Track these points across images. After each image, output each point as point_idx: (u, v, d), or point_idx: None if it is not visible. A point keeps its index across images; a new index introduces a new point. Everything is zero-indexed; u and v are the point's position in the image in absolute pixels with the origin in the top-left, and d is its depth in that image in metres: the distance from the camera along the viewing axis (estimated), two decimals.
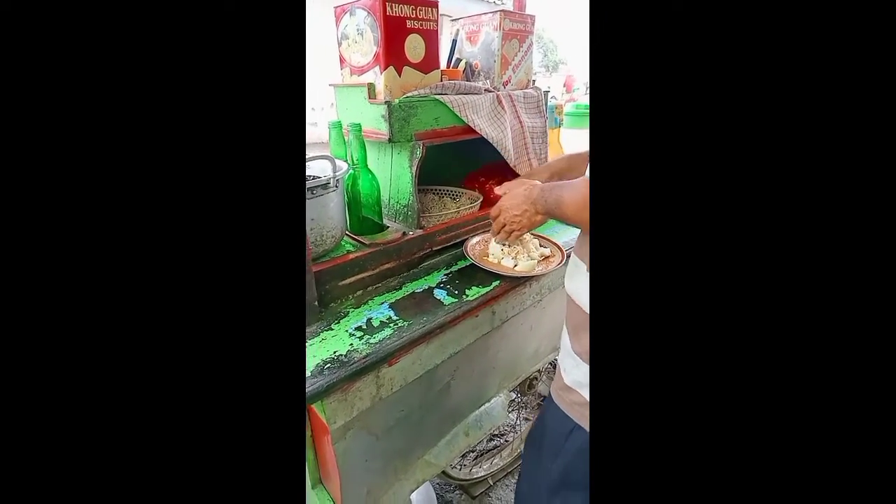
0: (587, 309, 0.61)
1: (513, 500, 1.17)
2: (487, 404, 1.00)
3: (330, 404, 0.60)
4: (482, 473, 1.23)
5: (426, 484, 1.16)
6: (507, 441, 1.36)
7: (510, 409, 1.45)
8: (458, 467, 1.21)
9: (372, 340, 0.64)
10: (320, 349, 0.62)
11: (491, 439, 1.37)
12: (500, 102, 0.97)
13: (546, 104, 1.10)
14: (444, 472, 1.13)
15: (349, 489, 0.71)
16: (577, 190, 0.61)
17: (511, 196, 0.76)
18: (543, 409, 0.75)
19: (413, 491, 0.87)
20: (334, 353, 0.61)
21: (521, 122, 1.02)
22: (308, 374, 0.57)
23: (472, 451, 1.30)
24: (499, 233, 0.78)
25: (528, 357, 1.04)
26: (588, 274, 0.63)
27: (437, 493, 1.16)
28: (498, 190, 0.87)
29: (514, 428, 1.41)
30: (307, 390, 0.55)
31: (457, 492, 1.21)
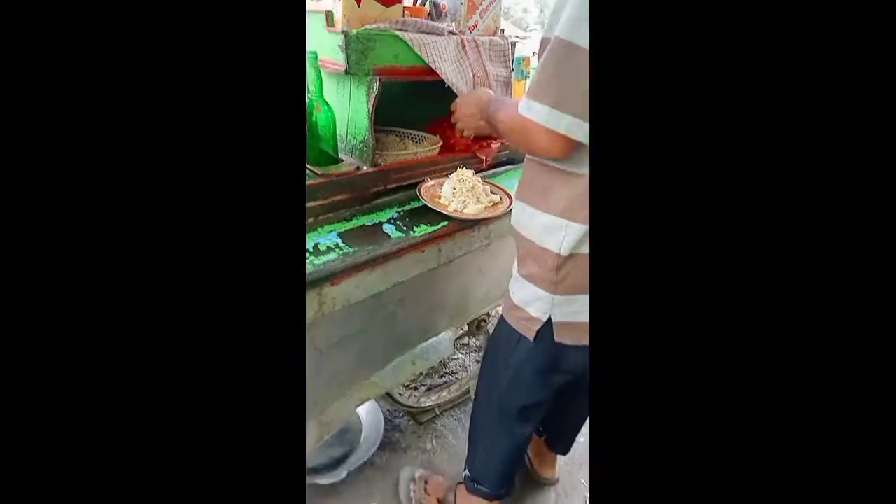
0: (530, 237, 0.70)
1: (457, 430, 1.29)
2: (435, 338, 1.08)
3: None
4: (430, 403, 1.33)
5: (376, 407, 1.26)
6: (457, 378, 1.46)
7: (462, 351, 1.56)
8: (408, 395, 1.31)
9: (316, 262, 0.68)
10: None
11: (442, 376, 1.47)
12: (463, 47, 0.97)
13: (513, 55, 1.10)
14: (393, 399, 1.22)
15: None
16: (510, 110, 0.66)
17: (468, 95, 0.88)
18: (496, 327, 0.83)
19: (357, 406, 0.96)
20: None
21: (485, 69, 1.03)
22: None
23: (423, 385, 1.41)
24: (455, 124, 0.91)
25: (477, 299, 1.11)
26: (529, 210, 0.69)
27: (385, 418, 1.26)
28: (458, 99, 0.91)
29: (466, 368, 1.52)
30: None
31: (405, 417, 1.32)
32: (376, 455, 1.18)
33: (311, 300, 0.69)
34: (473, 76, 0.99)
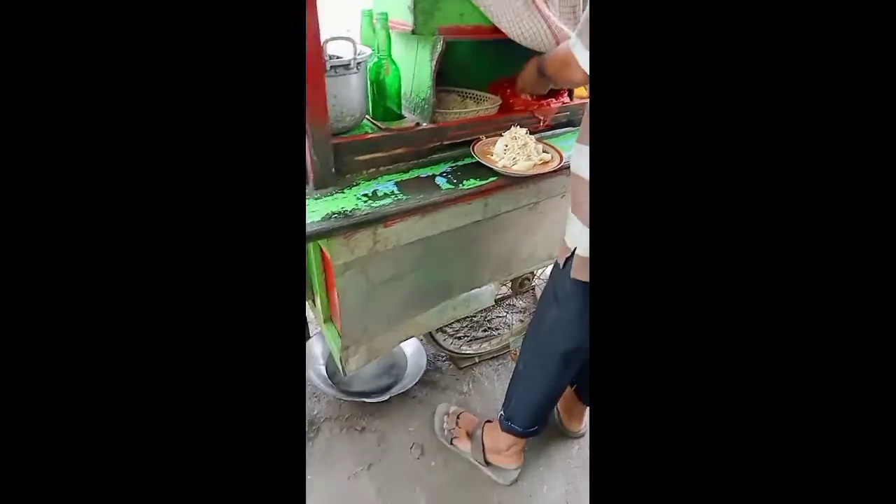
0: (577, 171, 0.76)
1: (493, 378, 1.39)
2: (478, 289, 1.16)
3: (333, 246, 0.76)
4: (471, 352, 1.44)
5: (421, 349, 1.39)
6: (499, 334, 1.54)
7: (507, 310, 1.62)
8: (451, 342, 1.42)
9: (374, 205, 0.78)
10: (331, 204, 0.77)
11: (486, 330, 1.56)
12: (533, 2, 0.97)
13: (583, 11, 1.07)
14: (437, 343, 1.34)
15: (348, 322, 0.91)
16: (556, 52, 0.84)
17: (530, 61, 0.96)
18: (553, 270, 0.90)
19: (402, 340, 1.08)
20: (342, 208, 0.76)
21: (552, 26, 1.02)
22: (319, 219, 0.73)
23: (467, 336, 1.51)
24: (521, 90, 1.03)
25: (522, 258, 1.16)
26: (580, 148, 0.73)
27: (428, 360, 1.39)
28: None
29: (509, 325, 1.59)
30: (315, 231, 0.70)
31: (447, 361, 1.44)
32: (418, 390, 1.32)
33: (367, 238, 0.79)
34: (550, 28, 0.98)
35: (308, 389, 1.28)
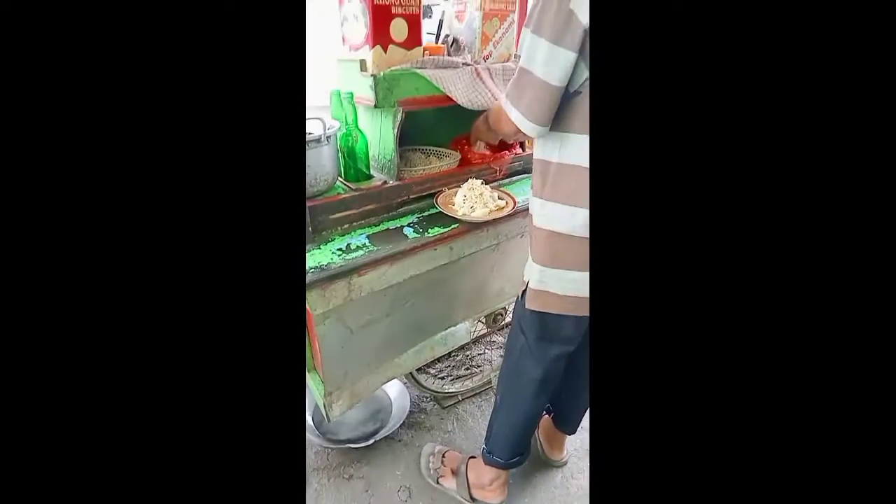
0: (532, 218, 0.85)
1: (476, 415, 1.43)
2: (454, 327, 1.23)
3: (312, 297, 0.84)
4: (453, 390, 1.48)
5: (405, 391, 1.43)
6: (481, 371, 1.60)
7: (488, 347, 1.69)
8: (433, 382, 1.47)
9: (348, 257, 0.87)
10: (308, 260, 0.86)
11: (468, 368, 1.61)
12: (478, 75, 1.13)
13: None
14: (418, 382, 1.38)
15: (329, 368, 0.97)
16: (495, 108, 0.95)
17: (480, 118, 1.07)
18: (516, 303, 0.98)
19: (384, 383, 1.13)
20: (318, 263, 0.85)
21: (495, 95, 1.18)
22: None
23: (449, 376, 1.56)
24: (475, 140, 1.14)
25: (491, 295, 1.25)
26: (531, 197, 0.85)
27: (413, 402, 1.43)
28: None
29: (490, 362, 1.64)
30: None
31: (430, 402, 1.47)
32: (404, 432, 1.35)
33: (342, 287, 0.87)
34: (494, 96, 1.14)
35: None
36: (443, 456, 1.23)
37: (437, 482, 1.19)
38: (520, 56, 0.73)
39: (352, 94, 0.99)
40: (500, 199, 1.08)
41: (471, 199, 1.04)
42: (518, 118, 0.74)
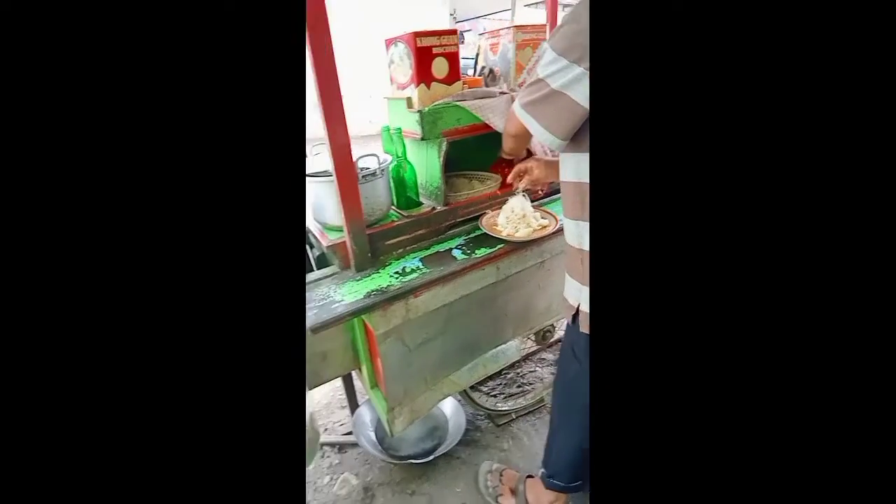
0: (568, 240, 0.86)
1: (531, 433, 1.43)
2: (504, 345, 1.26)
3: (374, 317, 0.91)
4: (506, 408, 1.49)
5: (460, 409, 1.46)
6: (533, 388, 1.60)
7: (539, 364, 1.69)
8: (486, 400, 1.49)
9: (404, 279, 0.94)
10: (370, 283, 0.93)
11: (520, 386, 1.62)
12: (513, 102, 1.19)
13: None
14: (473, 400, 1.41)
15: (391, 384, 1.02)
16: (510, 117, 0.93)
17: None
18: (567, 328, 0.98)
19: (440, 400, 1.17)
20: (378, 286, 0.92)
21: None
22: (361, 297, 0.89)
23: (502, 393, 1.57)
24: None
25: (539, 311, 1.27)
26: (564, 219, 0.87)
27: (468, 419, 1.45)
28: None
29: (541, 380, 1.64)
30: (360, 307, 0.86)
31: (485, 420, 1.49)
32: (461, 450, 1.37)
33: (401, 308, 0.94)
34: None
35: (361, 456, 1.36)
36: (500, 474, 1.24)
37: (497, 501, 1.20)
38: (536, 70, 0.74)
39: (400, 129, 1.08)
40: (542, 218, 1.12)
41: (514, 221, 1.08)
42: (539, 131, 0.76)
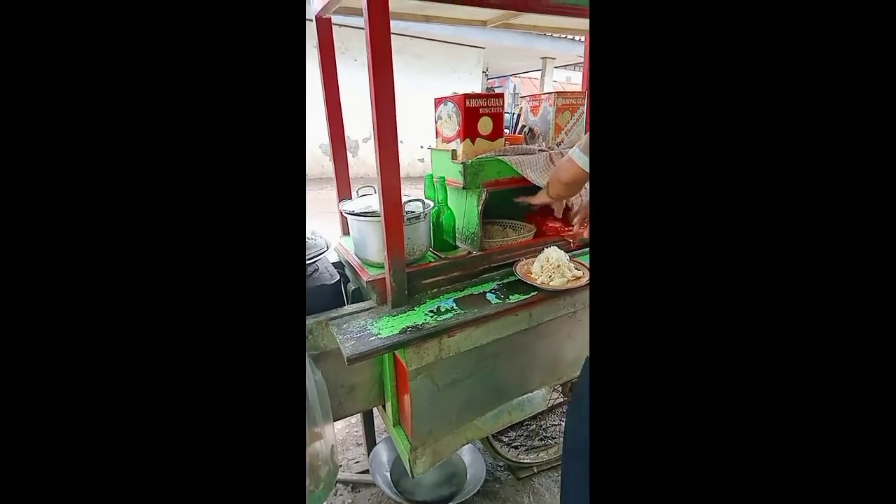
0: None
1: (553, 489, 1.37)
2: (530, 394, 1.25)
3: (408, 354, 0.94)
4: (528, 461, 1.44)
5: (480, 458, 1.43)
6: (556, 442, 1.55)
7: (560, 418, 1.64)
8: (508, 451, 1.45)
9: (439, 318, 0.98)
10: (406, 319, 0.97)
11: (542, 439, 1.57)
12: (551, 159, 1.27)
13: None
14: (494, 449, 1.38)
15: (417, 422, 1.03)
16: (561, 165, 1.06)
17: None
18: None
19: (463, 445, 1.16)
20: (414, 322, 0.96)
21: None
22: (397, 332, 0.93)
23: (524, 445, 1.53)
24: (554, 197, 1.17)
25: (568, 362, 1.27)
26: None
27: (487, 470, 1.42)
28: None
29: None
30: (395, 342, 0.90)
31: (505, 471, 1.45)
32: (478, 501, 1.33)
33: (434, 346, 0.97)
34: None
35: (374, 496, 1.33)
36: None
37: None
38: None
39: (443, 178, 1.16)
40: (576, 269, 1.15)
41: (548, 269, 1.12)
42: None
